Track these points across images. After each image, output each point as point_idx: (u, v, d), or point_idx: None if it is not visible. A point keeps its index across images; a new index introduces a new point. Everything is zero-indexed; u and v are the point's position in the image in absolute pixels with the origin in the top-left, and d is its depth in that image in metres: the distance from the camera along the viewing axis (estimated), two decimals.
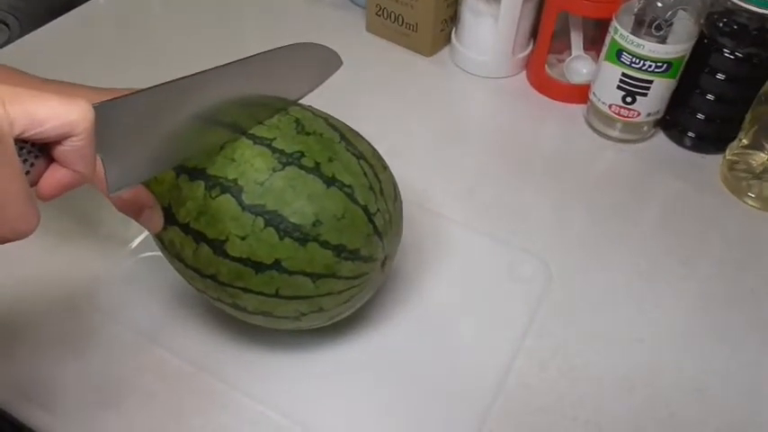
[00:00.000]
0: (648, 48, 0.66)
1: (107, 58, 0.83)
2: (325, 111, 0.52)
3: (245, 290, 0.46)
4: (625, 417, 0.52)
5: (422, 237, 0.63)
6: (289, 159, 0.45)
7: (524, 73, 0.84)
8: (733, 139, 0.70)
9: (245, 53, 0.45)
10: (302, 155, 0.46)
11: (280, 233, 0.44)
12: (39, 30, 0.86)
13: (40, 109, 0.32)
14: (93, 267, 0.59)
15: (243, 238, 0.44)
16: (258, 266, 0.45)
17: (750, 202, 0.69)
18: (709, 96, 0.70)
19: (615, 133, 0.75)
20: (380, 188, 0.49)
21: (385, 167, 0.51)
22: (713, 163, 0.73)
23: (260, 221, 0.44)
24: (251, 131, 0.47)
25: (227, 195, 0.45)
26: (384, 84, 0.82)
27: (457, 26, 0.84)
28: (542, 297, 0.59)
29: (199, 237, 0.46)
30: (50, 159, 0.34)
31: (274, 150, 0.46)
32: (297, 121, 0.48)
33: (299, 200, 0.45)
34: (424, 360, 0.55)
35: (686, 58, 0.68)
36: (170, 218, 0.47)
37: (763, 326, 0.59)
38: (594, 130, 0.76)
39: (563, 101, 0.80)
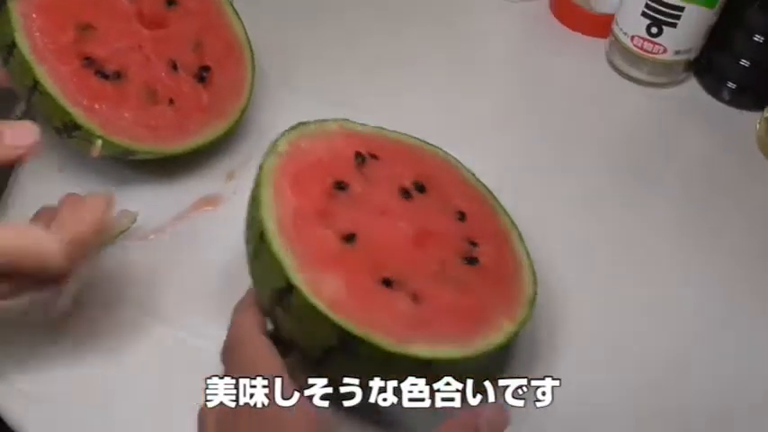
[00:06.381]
0: None
1: None
2: None
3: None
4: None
5: None
6: None
7: None
8: None
9: None
10: None
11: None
12: None
13: None
14: None
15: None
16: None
17: None
18: (757, 38, 0.58)
19: (639, 74, 0.63)
20: None
21: None
22: (751, 120, 0.62)
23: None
24: None
25: None
26: (393, 9, 0.72)
27: None
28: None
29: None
30: None
31: None
32: None
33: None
34: None
35: None
36: None
37: None
38: (616, 69, 0.65)
39: (585, 33, 0.68)
